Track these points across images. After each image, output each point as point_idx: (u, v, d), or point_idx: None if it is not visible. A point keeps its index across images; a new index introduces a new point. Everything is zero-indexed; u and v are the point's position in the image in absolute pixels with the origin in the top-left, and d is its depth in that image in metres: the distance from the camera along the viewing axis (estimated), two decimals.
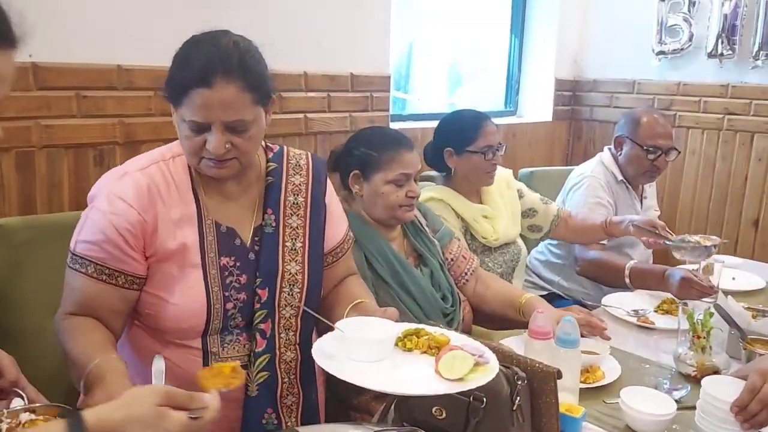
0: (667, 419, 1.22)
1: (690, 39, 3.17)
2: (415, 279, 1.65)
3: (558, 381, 1.15)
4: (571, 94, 3.65)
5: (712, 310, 1.51)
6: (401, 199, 1.63)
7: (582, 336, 1.50)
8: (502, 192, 2.13)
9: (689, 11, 3.15)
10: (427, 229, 1.80)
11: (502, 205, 2.10)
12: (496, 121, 2.12)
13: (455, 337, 1.17)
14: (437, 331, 1.17)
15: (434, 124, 2.15)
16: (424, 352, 1.13)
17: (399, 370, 1.08)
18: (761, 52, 2.98)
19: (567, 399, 1.25)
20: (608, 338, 1.61)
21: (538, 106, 3.60)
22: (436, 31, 3.26)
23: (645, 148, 2.26)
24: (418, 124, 2.86)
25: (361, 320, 1.17)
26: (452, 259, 1.82)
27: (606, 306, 1.90)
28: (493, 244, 2.03)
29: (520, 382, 1.11)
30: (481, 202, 2.07)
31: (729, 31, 3.03)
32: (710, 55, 3.11)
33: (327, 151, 2.37)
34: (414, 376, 1.06)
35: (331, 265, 1.40)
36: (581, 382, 1.39)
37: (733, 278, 2.16)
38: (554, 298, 2.35)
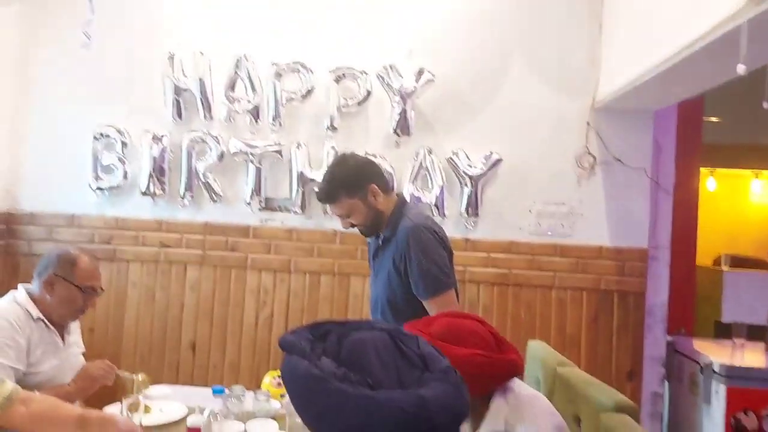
0: None
1: (125, 177, 3.35)
2: None
3: None
4: (5, 227, 3.38)
5: None
6: None
7: None
8: None
9: (122, 151, 3.35)
10: None
11: None
12: None
13: None
14: None
15: None
16: None
17: None
18: (187, 193, 3.36)
19: None
20: None
21: None
22: None
23: (82, 289, 2.26)
24: None
25: None
26: None
27: None
28: None
29: None
30: None
31: (158, 172, 3.34)
32: (144, 193, 3.35)
33: None
34: None
35: None
36: None
37: (161, 410, 2.26)
38: None
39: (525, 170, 3.30)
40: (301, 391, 0.99)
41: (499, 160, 3.27)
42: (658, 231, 3.36)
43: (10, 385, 1.70)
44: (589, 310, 3.29)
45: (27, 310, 2.21)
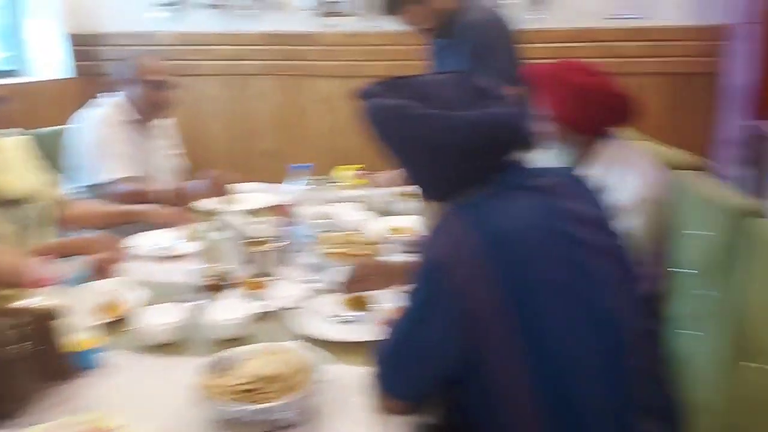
0: (173, 326, 1.36)
1: None
2: None
3: (72, 320, 1.18)
4: (89, 49, 3.54)
5: (219, 226, 1.73)
6: None
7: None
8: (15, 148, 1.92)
9: None
10: None
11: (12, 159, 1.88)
12: None
13: None
14: None
15: None
16: None
17: None
18: (247, 2, 3.35)
19: (83, 336, 1.28)
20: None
21: (52, 63, 3.41)
22: None
23: (146, 82, 2.40)
24: None
25: None
26: None
27: (131, 246, 1.95)
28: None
29: (13, 331, 1.09)
30: None
31: None
32: (208, 6, 3.37)
33: None
34: None
35: None
36: (107, 316, 1.44)
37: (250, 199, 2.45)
38: None
39: None
40: (383, 122, 1.11)
41: None
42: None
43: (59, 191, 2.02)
44: (664, 97, 3.20)
45: (115, 115, 2.40)
